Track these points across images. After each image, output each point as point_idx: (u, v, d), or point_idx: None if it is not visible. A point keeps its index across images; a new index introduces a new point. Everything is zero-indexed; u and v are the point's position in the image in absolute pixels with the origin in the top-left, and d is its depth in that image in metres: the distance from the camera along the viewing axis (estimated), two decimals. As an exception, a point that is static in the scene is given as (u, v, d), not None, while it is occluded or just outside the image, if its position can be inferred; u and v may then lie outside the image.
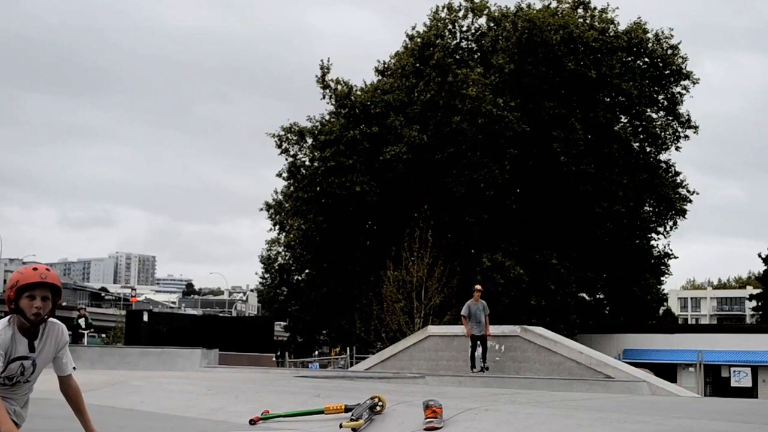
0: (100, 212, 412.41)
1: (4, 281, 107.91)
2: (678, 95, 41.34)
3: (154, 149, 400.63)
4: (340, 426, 5.78)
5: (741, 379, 41.88)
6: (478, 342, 17.33)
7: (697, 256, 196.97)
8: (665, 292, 51.61)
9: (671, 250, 43.99)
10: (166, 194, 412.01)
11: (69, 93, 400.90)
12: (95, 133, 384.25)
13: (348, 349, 35.83)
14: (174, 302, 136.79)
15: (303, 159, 40.65)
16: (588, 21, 40.84)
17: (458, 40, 41.60)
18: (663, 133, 41.85)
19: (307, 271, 44.40)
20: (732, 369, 42.49)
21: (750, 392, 39.67)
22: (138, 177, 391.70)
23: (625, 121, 42.45)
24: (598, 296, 45.81)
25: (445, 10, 40.69)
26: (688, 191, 41.97)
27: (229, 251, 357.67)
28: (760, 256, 69.26)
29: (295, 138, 40.31)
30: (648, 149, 42.32)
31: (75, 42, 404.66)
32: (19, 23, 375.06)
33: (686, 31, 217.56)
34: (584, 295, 44.40)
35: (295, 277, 46.23)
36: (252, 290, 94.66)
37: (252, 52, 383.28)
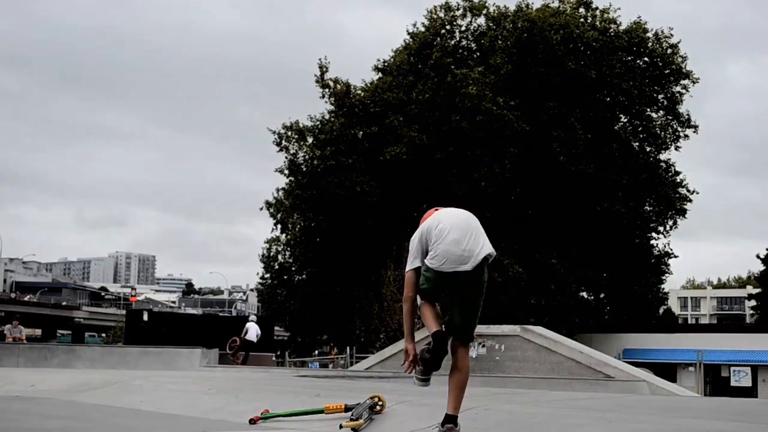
0: (116, 212, 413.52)
1: (4, 281, 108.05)
2: (678, 95, 41.33)
3: (174, 149, 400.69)
4: (340, 426, 5.78)
5: (741, 378, 41.90)
6: None
7: (703, 255, 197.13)
8: (666, 291, 51.59)
9: (671, 250, 44.04)
10: (183, 194, 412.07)
11: (86, 94, 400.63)
12: (114, 134, 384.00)
13: (348, 348, 35.85)
14: (174, 302, 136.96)
15: (303, 157, 40.70)
16: (589, 21, 40.86)
17: (458, 40, 41.63)
18: (663, 133, 41.85)
19: (307, 270, 44.42)
20: (732, 369, 42.51)
21: (750, 392, 39.69)
22: (156, 177, 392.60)
23: (625, 120, 42.44)
24: (598, 296, 45.81)
25: (443, 10, 40.74)
26: (688, 191, 42.00)
27: (242, 251, 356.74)
28: (758, 257, 69.33)
29: (295, 136, 40.41)
30: (648, 149, 42.31)
31: (94, 43, 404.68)
32: (34, 23, 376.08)
33: (710, 33, 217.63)
34: (584, 294, 44.40)
35: (297, 277, 46.22)
36: (252, 290, 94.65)
37: (276, 52, 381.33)
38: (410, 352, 5.09)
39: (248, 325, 25.88)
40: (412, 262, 5.20)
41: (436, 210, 5.55)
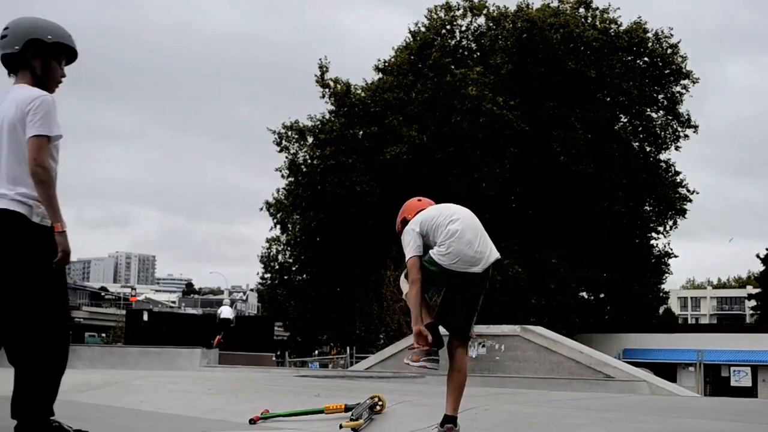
0: (116, 212, 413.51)
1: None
2: (678, 95, 41.36)
3: (174, 149, 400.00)
4: (340, 426, 5.77)
5: (741, 378, 41.95)
6: None
7: (703, 255, 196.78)
8: (666, 291, 51.61)
9: (671, 250, 44.07)
10: (183, 195, 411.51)
11: (86, 94, 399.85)
12: (114, 134, 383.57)
13: (348, 348, 35.86)
14: (174, 302, 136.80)
15: (303, 157, 40.71)
16: (589, 21, 40.88)
17: (458, 40, 41.64)
18: (663, 133, 41.87)
19: (307, 270, 44.41)
20: (732, 369, 42.56)
21: (750, 392, 39.72)
22: (156, 177, 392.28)
23: (625, 120, 42.47)
24: (598, 296, 45.82)
25: (443, 10, 40.76)
26: (688, 191, 42.03)
27: (242, 251, 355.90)
28: (758, 256, 69.35)
29: (295, 136, 40.43)
30: (648, 149, 42.34)
31: (94, 43, 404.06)
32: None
33: (710, 33, 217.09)
34: (584, 294, 44.41)
35: (297, 277, 46.23)
36: (252, 290, 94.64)
37: (276, 52, 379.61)
38: (425, 333, 5.05)
39: (221, 308, 28.04)
40: (413, 250, 5.15)
41: (420, 200, 5.53)
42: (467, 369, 5.33)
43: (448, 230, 5.08)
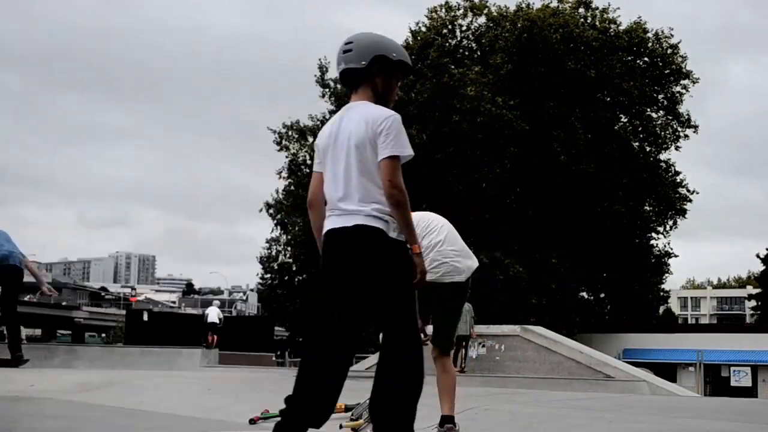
0: (117, 213, 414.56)
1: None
2: (678, 95, 41.35)
3: (175, 149, 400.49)
4: (340, 426, 5.77)
5: (741, 378, 41.95)
6: (463, 342, 17.45)
7: (703, 255, 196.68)
8: (667, 291, 51.59)
9: (671, 249, 44.06)
10: (184, 195, 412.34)
11: (87, 94, 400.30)
12: (115, 134, 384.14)
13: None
14: (174, 302, 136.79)
15: (303, 157, 40.75)
16: (589, 21, 40.87)
17: (459, 40, 41.64)
18: (663, 133, 41.87)
19: (308, 269, 44.39)
20: (732, 369, 42.55)
21: (750, 392, 39.73)
22: (157, 177, 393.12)
23: (625, 120, 42.45)
24: (598, 296, 45.81)
25: (443, 10, 40.77)
26: (688, 191, 42.01)
27: (243, 251, 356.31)
28: (758, 256, 69.38)
29: (296, 136, 40.46)
30: (648, 149, 42.33)
31: (94, 43, 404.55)
32: (34, 23, 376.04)
33: (710, 33, 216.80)
34: (584, 294, 44.40)
35: (297, 278, 46.21)
36: (252, 290, 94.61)
37: (276, 52, 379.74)
38: (422, 326, 4.95)
39: (208, 310, 28.59)
40: None
41: None
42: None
43: (430, 243, 5.04)
